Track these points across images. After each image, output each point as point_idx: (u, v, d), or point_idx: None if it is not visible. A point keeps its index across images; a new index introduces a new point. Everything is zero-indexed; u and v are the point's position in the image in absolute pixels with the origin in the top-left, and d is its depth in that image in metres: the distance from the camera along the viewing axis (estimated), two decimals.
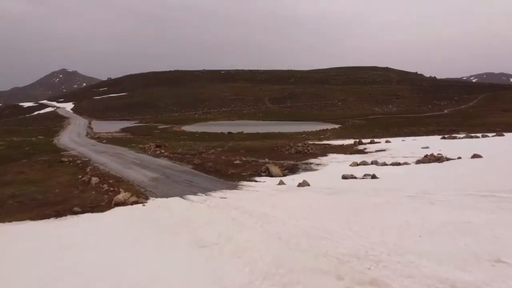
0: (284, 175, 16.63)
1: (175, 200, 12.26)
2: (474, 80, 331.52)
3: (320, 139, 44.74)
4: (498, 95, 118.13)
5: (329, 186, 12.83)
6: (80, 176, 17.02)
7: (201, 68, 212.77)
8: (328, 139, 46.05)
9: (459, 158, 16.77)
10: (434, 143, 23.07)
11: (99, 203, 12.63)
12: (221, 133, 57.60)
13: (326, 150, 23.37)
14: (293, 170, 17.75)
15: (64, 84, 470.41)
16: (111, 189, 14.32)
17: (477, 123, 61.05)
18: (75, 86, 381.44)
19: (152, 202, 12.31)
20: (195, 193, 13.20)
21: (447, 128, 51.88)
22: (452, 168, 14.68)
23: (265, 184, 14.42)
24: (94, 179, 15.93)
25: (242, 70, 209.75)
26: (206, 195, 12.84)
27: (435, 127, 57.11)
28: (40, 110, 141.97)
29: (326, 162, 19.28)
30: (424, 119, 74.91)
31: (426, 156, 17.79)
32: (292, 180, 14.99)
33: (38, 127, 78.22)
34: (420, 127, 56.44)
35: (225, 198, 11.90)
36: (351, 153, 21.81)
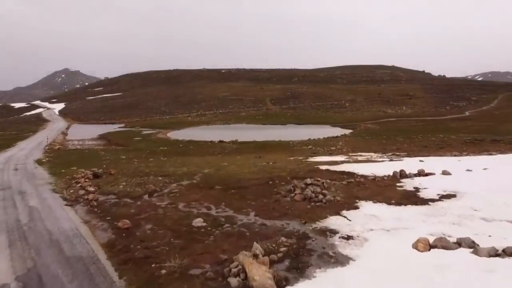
0: (278, 285, 7.46)
1: None
2: (479, 79, 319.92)
3: (331, 153, 35.51)
4: None
5: None
6: None
7: (202, 67, 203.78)
8: (341, 152, 36.77)
9: None
10: None
11: None
12: (211, 142, 48.38)
13: (353, 192, 14.14)
14: (297, 262, 8.57)
15: (66, 84, 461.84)
16: None
17: None
18: (78, 85, 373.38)
19: None
20: None
21: (487, 137, 42.12)
22: None
23: None
24: None
25: (243, 69, 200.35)
26: None
27: (467, 134, 47.47)
28: (29, 111, 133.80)
29: (361, 232, 10.08)
30: (448, 123, 65.08)
31: None
32: None
33: (11, 132, 69.75)
34: (450, 135, 46.70)
35: None
36: (398, 202, 12.57)
